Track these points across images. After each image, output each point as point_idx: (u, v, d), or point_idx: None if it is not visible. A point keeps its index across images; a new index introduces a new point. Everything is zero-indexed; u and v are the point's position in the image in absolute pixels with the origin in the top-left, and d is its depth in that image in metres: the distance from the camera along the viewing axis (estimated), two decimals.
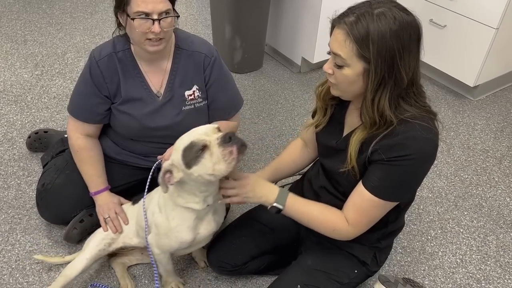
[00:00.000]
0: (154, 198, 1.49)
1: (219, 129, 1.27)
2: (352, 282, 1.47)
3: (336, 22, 1.15)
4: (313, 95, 2.89)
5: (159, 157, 1.50)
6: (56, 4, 3.63)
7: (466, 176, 2.24)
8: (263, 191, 1.33)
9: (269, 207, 1.32)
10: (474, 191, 2.15)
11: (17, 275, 1.65)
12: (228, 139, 1.18)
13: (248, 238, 1.59)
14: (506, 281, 1.75)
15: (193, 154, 1.19)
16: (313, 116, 1.47)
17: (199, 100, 1.67)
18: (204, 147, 1.19)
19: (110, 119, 1.68)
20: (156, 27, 1.42)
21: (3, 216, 1.86)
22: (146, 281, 1.67)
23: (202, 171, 1.21)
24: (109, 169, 1.74)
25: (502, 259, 1.84)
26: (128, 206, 1.66)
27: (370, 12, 1.10)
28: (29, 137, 2.16)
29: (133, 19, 1.41)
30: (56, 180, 1.74)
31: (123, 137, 1.71)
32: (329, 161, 1.40)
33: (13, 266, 1.68)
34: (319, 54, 2.78)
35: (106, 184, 1.69)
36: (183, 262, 1.75)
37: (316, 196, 1.47)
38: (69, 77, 2.77)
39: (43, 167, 2.07)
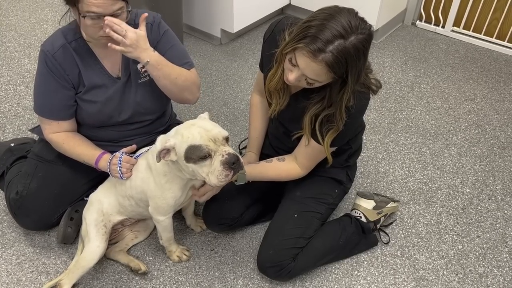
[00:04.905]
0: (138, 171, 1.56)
1: (227, 140, 1.35)
2: (335, 200, 1.74)
3: (311, 55, 1.21)
4: (241, 63, 3.04)
5: None
6: None
7: (391, 105, 2.59)
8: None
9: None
10: (400, 116, 2.51)
11: None
12: (231, 164, 1.29)
13: (239, 191, 1.72)
14: (445, 178, 2.13)
15: (196, 155, 1.30)
16: (260, 68, 1.65)
17: None
18: (208, 156, 1.30)
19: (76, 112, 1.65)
20: None
21: None
22: (151, 258, 1.72)
23: (196, 171, 1.34)
24: (84, 164, 1.73)
25: (437, 163, 2.21)
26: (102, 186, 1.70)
27: (344, 45, 1.19)
28: None
29: (84, 16, 1.40)
30: (31, 185, 1.67)
31: (91, 127, 1.69)
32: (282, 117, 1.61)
33: (7, 282, 1.61)
34: (238, 23, 2.91)
35: (102, 150, 1.63)
36: (180, 233, 1.82)
37: (276, 141, 1.72)
38: None
39: None
